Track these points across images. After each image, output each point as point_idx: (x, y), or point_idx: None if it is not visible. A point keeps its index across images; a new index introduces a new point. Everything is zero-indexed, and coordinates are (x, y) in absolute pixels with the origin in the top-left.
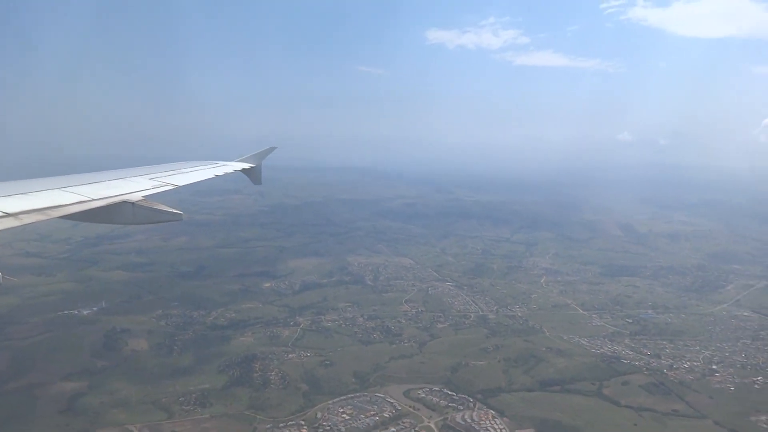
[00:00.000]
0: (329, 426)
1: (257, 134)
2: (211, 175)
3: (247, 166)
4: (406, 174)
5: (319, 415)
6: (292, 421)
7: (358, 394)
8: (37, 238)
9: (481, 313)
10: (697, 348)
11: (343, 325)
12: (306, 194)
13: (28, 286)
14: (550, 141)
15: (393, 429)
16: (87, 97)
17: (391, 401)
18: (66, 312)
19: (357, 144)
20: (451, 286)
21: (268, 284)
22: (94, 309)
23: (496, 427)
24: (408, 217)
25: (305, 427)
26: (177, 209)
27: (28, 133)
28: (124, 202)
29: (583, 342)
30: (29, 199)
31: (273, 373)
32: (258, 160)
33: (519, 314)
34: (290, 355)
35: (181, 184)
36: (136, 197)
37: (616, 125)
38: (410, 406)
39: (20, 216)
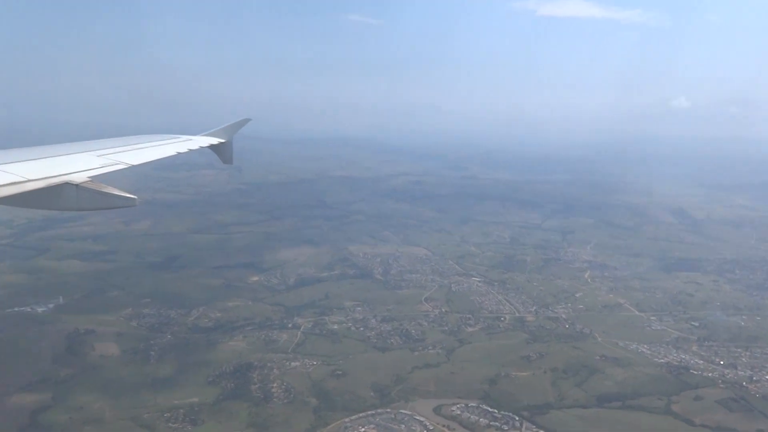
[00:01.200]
0: None
1: (237, 101)
2: (172, 153)
3: (215, 141)
4: (409, 147)
5: None
6: None
7: (379, 411)
8: None
9: (517, 314)
10: None
11: (353, 328)
12: (293, 170)
13: None
14: (583, 108)
15: None
16: (45, 57)
17: (421, 419)
18: (17, 309)
19: (350, 112)
20: (478, 281)
21: (255, 278)
22: (50, 306)
23: None
24: (417, 198)
25: None
26: (130, 193)
27: None
28: (66, 184)
29: (643, 349)
30: None
31: (274, 385)
32: (229, 135)
33: (563, 316)
34: (293, 364)
35: (135, 162)
36: (80, 178)
37: (668, 89)
38: (444, 426)
39: None
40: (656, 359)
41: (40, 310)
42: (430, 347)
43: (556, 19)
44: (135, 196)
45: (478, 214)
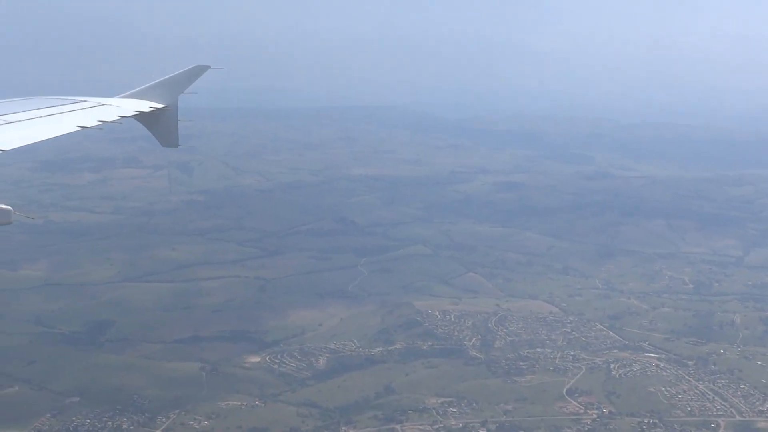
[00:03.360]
0: None
1: (183, 42)
2: (71, 128)
3: (146, 106)
4: (481, 120)
5: None
6: None
7: None
8: None
9: (738, 417)
10: None
11: None
12: (280, 166)
13: None
14: None
15: None
16: None
17: None
18: None
19: (371, 60)
20: (656, 360)
21: (255, 359)
22: None
23: None
24: (512, 213)
25: None
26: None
27: None
28: None
29: None
30: None
31: None
32: (172, 95)
33: None
34: None
35: (5, 148)
36: None
37: None
38: None
39: None
40: None
41: None
42: None
43: None
44: (9, 207)
45: (628, 242)
